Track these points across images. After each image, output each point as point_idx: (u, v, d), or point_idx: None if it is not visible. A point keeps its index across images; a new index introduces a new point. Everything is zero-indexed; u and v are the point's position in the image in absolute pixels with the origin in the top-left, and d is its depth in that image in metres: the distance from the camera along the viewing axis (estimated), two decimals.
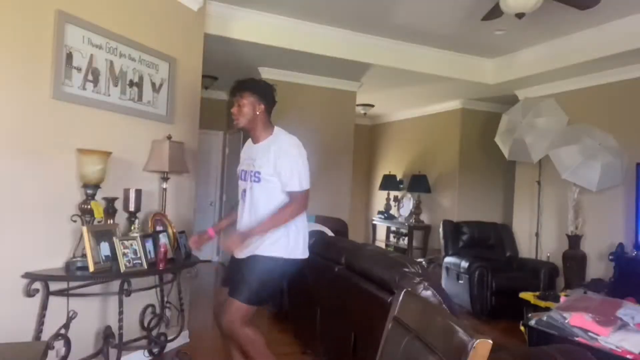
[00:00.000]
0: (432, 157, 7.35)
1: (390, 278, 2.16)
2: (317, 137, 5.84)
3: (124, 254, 2.62)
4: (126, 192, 2.96)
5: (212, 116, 6.40)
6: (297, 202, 2.39)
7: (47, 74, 2.56)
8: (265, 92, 2.49)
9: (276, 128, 2.53)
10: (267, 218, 2.38)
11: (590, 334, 2.71)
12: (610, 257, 4.30)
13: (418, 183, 7.19)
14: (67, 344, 2.60)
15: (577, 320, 2.78)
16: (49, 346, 2.34)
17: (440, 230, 5.54)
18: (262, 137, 2.49)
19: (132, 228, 2.86)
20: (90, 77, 2.82)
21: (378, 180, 8.26)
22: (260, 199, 2.43)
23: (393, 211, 7.88)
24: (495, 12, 3.52)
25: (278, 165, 2.38)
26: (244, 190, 2.51)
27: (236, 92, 2.46)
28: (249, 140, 2.61)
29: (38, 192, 2.55)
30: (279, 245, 2.39)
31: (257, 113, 2.45)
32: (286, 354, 3.45)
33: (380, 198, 8.38)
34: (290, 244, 2.42)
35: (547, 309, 3.47)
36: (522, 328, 3.27)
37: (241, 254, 2.43)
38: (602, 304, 2.96)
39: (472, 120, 6.84)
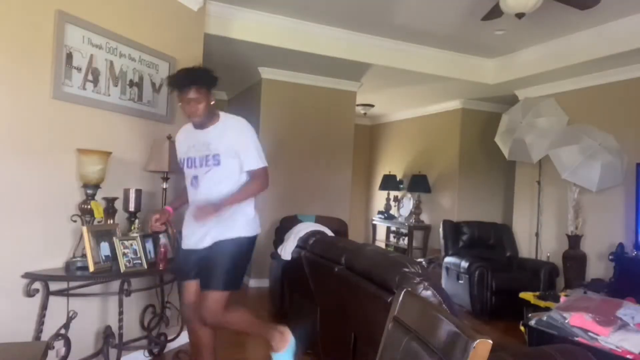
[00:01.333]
0: (432, 157, 7.35)
1: (390, 278, 2.15)
2: (317, 137, 5.86)
3: (124, 254, 2.62)
4: (126, 192, 2.96)
5: None
6: (261, 178, 2.45)
7: (47, 74, 2.56)
8: (213, 81, 2.39)
9: (222, 113, 2.51)
10: (236, 191, 2.39)
11: (590, 334, 2.71)
12: (610, 257, 4.30)
13: (418, 183, 7.19)
14: (67, 344, 2.60)
15: (577, 320, 2.78)
16: (49, 346, 2.34)
17: (440, 230, 5.54)
18: (210, 122, 2.43)
19: (132, 228, 2.86)
20: (90, 77, 2.82)
21: (378, 180, 8.26)
22: (220, 181, 2.41)
23: (393, 211, 7.88)
24: (495, 12, 3.52)
25: (236, 145, 2.39)
26: (195, 177, 2.46)
27: (186, 87, 2.30)
28: (186, 128, 2.55)
29: (38, 192, 2.55)
30: (241, 225, 2.43)
31: (212, 103, 2.41)
32: None
33: (380, 198, 8.38)
34: (249, 221, 2.47)
35: (547, 309, 3.47)
36: (522, 328, 3.27)
37: (201, 243, 2.42)
38: (602, 304, 2.96)
39: (472, 120, 6.84)
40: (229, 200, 2.37)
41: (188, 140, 2.53)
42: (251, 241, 2.49)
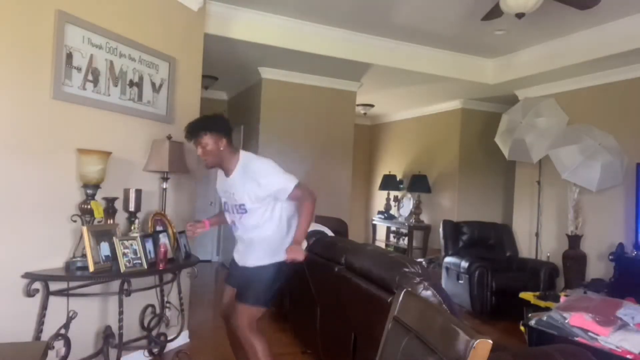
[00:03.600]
0: (432, 157, 7.35)
1: (390, 278, 2.15)
2: (317, 137, 5.86)
3: (124, 254, 2.62)
4: (126, 192, 2.96)
5: None
6: (303, 194, 2.51)
7: (47, 74, 2.56)
8: (222, 126, 2.51)
9: (241, 153, 2.56)
10: (300, 221, 2.51)
11: (590, 334, 2.71)
12: (610, 257, 4.30)
13: (418, 183, 7.19)
14: (67, 344, 2.60)
15: (577, 320, 2.78)
16: (49, 346, 2.34)
17: (440, 230, 5.54)
18: (231, 168, 2.53)
19: (132, 228, 2.86)
20: (90, 77, 2.82)
21: (378, 180, 8.26)
22: (256, 225, 2.52)
23: (393, 211, 7.88)
24: (495, 12, 3.52)
25: (262, 187, 2.44)
26: (233, 222, 2.60)
27: (193, 136, 2.48)
28: (222, 173, 2.63)
29: (38, 192, 2.55)
30: (271, 254, 2.51)
31: (222, 149, 2.48)
32: (286, 354, 3.45)
33: (380, 198, 8.38)
34: (279, 250, 2.51)
35: (547, 309, 3.47)
36: (522, 328, 3.27)
37: (242, 261, 2.59)
38: (602, 304, 2.96)
39: (472, 120, 6.84)
40: (300, 234, 2.49)
41: (221, 185, 2.65)
42: (288, 264, 2.52)
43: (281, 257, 2.49)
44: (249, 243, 2.56)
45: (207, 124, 2.49)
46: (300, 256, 2.44)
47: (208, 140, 2.45)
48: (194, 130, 2.47)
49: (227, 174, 2.54)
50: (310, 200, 2.54)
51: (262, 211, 2.49)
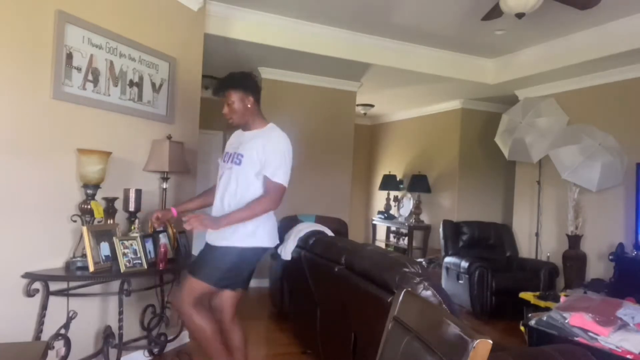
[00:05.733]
0: (432, 157, 7.35)
1: (390, 278, 2.15)
2: (317, 137, 5.86)
3: (124, 254, 2.62)
4: (126, 192, 2.96)
5: (212, 116, 6.37)
6: (271, 196, 2.37)
7: (47, 74, 2.56)
8: (250, 84, 2.48)
9: (271, 124, 2.54)
10: (240, 209, 2.36)
11: (590, 334, 2.71)
12: (610, 257, 4.30)
13: (418, 183, 7.19)
14: (67, 344, 2.60)
15: (577, 320, 2.78)
16: (49, 346, 2.34)
17: (440, 230, 5.54)
18: (254, 127, 2.50)
19: (132, 228, 2.86)
20: (90, 77, 2.82)
21: (378, 180, 8.26)
22: (235, 182, 2.43)
23: (393, 211, 7.88)
24: (495, 12, 3.52)
25: (268, 154, 2.38)
26: (222, 174, 2.52)
27: (220, 91, 2.44)
28: (237, 132, 2.61)
29: (38, 192, 2.55)
30: (253, 236, 2.41)
31: (249, 106, 2.46)
32: (286, 354, 3.45)
33: (380, 198, 8.38)
34: (259, 233, 2.44)
35: (547, 309, 3.47)
36: (522, 328, 3.27)
37: (215, 241, 2.45)
38: (602, 304, 2.96)
39: (472, 120, 6.84)
40: (229, 219, 2.36)
41: (233, 139, 2.62)
42: (255, 252, 2.45)
43: (250, 243, 2.41)
44: (226, 208, 2.43)
45: (235, 80, 2.46)
46: (199, 226, 2.28)
47: (234, 97, 2.41)
48: (221, 85, 2.44)
49: (249, 128, 2.51)
50: (271, 203, 2.38)
51: (249, 173, 2.40)
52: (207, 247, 2.51)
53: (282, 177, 2.39)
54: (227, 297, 2.52)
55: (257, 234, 2.45)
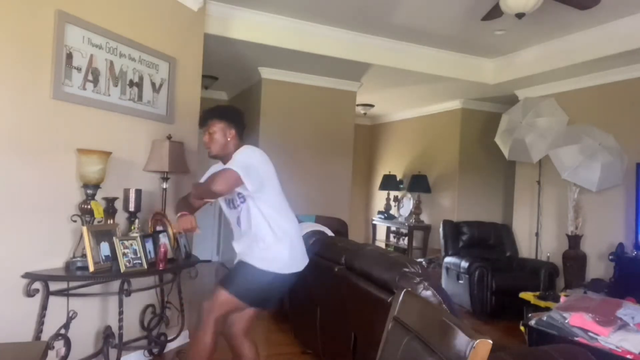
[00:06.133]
0: (432, 157, 7.35)
1: (390, 278, 2.15)
2: (317, 137, 5.86)
3: (124, 254, 2.62)
4: (126, 192, 2.96)
5: None
6: (222, 177, 2.25)
7: (47, 74, 2.56)
8: (234, 117, 2.46)
9: (243, 146, 2.46)
10: (197, 184, 2.43)
11: (590, 334, 2.71)
12: (610, 257, 4.30)
13: (418, 183, 7.19)
14: (67, 344, 2.60)
15: (577, 320, 2.78)
16: (49, 346, 2.34)
17: (440, 230, 5.54)
18: (228, 159, 2.43)
19: (132, 228, 2.86)
20: (90, 77, 2.82)
21: (378, 180, 8.26)
22: (247, 223, 2.41)
23: (393, 211, 7.88)
24: (495, 12, 3.52)
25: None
26: (238, 218, 2.47)
27: (204, 121, 2.44)
28: (218, 164, 2.54)
29: (38, 192, 2.55)
30: (269, 261, 2.37)
31: (229, 139, 2.42)
32: (286, 354, 3.45)
33: (380, 198, 8.38)
34: (279, 261, 2.39)
35: (547, 309, 3.47)
36: (522, 328, 3.27)
37: (245, 258, 2.44)
38: (602, 304, 2.96)
39: (472, 120, 6.84)
40: (193, 203, 2.45)
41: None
42: (280, 278, 2.39)
43: (283, 269, 2.39)
44: (251, 239, 2.43)
45: (220, 111, 2.47)
46: (188, 225, 2.34)
47: (216, 127, 2.40)
48: (206, 115, 2.45)
49: (225, 163, 2.46)
50: (216, 184, 2.24)
51: (251, 205, 2.38)
52: (241, 263, 2.45)
53: (241, 168, 2.26)
54: (249, 313, 2.51)
55: (294, 259, 2.45)
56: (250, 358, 2.53)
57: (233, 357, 2.58)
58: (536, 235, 5.50)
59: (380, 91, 6.56)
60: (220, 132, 2.41)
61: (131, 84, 3.12)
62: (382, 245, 7.82)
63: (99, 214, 2.71)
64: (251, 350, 2.54)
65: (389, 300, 2.03)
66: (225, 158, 2.45)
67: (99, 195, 2.77)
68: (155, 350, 3.25)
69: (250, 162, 2.33)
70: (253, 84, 5.95)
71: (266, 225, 2.38)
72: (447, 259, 5.17)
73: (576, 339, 2.73)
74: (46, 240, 2.59)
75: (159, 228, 3.12)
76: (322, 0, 4.16)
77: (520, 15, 3.25)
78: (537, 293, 4.11)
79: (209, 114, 2.45)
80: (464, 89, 6.08)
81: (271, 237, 2.38)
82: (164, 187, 3.27)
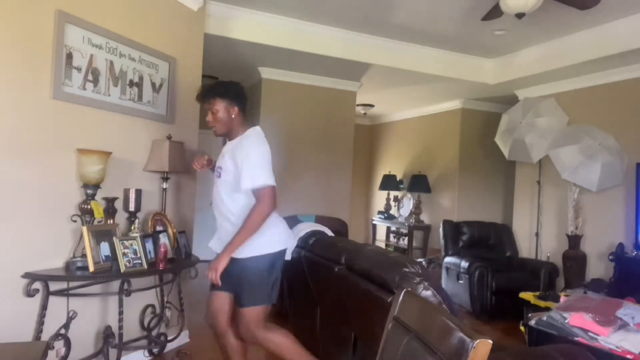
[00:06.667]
0: (432, 157, 7.35)
1: (390, 278, 2.15)
2: (317, 137, 5.86)
3: (124, 254, 2.62)
4: (126, 192, 2.96)
5: None
6: (264, 201, 2.27)
7: (47, 74, 2.56)
8: (236, 93, 2.41)
9: (251, 129, 2.44)
10: (240, 231, 2.29)
11: (590, 334, 2.71)
12: (610, 257, 4.30)
13: (418, 183, 7.19)
14: (67, 344, 2.60)
15: (577, 320, 2.78)
16: (49, 346, 2.34)
17: (440, 230, 5.54)
18: (235, 136, 2.43)
19: (132, 228, 2.86)
20: (90, 77, 2.82)
21: (378, 180, 8.26)
22: (219, 196, 2.41)
23: (393, 211, 7.88)
24: (495, 12, 3.52)
25: (239, 164, 2.29)
26: (215, 186, 2.48)
27: (205, 99, 2.38)
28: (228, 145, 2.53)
29: (38, 192, 2.55)
30: (255, 245, 2.34)
31: (233, 116, 2.39)
32: None
33: (380, 198, 8.38)
34: (265, 240, 2.36)
35: (547, 309, 3.47)
36: (522, 328, 3.27)
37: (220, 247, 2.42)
38: (602, 304, 2.96)
39: (472, 120, 6.84)
40: (234, 245, 2.29)
41: (224, 149, 2.54)
42: (272, 257, 2.40)
43: (275, 247, 2.38)
44: (233, 222, 2.36)
45: (221, 88, 2.40)
46: (218, 273, 2.25)
47: (219, 105, 2.36)
48: (206, 93, 2.39)
49: (230, 139, 2.46)
50: (265, 208, 2.26)
51: (230, 184, 2.35)
52: (235, 263, 2.37)
53: (263, 178, 2.27)
54: (229, 303, 2.50)
55: (280, 235, 2.47)
56: (236, 347, 2.52)
57: (221, 349, 2.58)
58: (536, 235, 5.50)
59: (380, 91, 6.56)
60: (224, 110, 2.37)
61: (131, 84, 3.12)
62: (382, 245, 7.82)
63: (99, 214, 2.71)
64: (236, 340, 2.52)
65: (389, 300, 2.03)
66: (231, 134, 2.44)
67: (99, 195, 2.77)
68: (155, 350, 3.25)
69: (268, 161, 2.33)
70: (253, 84, 5.95)
71: (245, 212, 2.34)
72: (447, 259, 5.17)
73: (576, 339, 2.73)
74: (46, 240, 2.59)
75: (159, 228, 3.12)
76: (322, 0, 4.17)
77: (520, 15, 3.25)
78: (537, 293, 4.11)
79: (211, 92, 2.38)
80: (464, 89, 6.08)
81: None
82: (164, 187, 3.27)
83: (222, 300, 2.49)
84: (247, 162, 2.27)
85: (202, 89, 2.41)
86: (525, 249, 5.67)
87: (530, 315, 3.21)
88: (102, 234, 2.63)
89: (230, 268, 2.34)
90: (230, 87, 2.43)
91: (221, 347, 2.57)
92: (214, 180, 2.48)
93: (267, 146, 2.38)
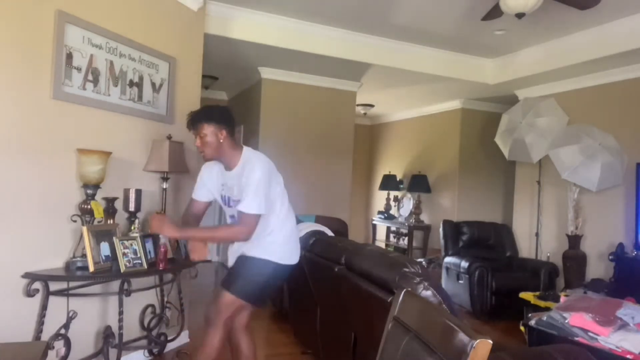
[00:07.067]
0: (432, 157, 7.35)
1: (390, 278, 2.15)
2: (317, 137, 5.86)
3: (124, 254, 2.62)
4: (126, 192, 2.96)
5: None
6: (246, 226, 2.31)
7: (47, 74, 2.56)
8: (222, 117, 2.41)
9: (244, 150, 2.45)
10: (206, 228, 2.40)
11: (590, 334, 2.71)
12: (610, 257, 4.30)
13: (418, 183, 7.19)
14: (67, 344, 2.60)
15: (577, 320, 2.78)
16: (49, 346, 2.34)
17: (440, 230, 5.54)
18: (233, 163, 2.43)
19: (132, 228, 2.86)
20: (90, 77, 2.82)
21: (378, 180, 8.26)
22: None
23: (393, 211, 7.88)
24: (495, 12, 3.52)
25: (243, 188, 2.32)
26: (233, 216, 2.49)
27: (192, 126, 2.40)
28: (219, 166, 2.52)
29: (38, 192, 2.55)
30: (270, 251, 2.42)
31: (221, 140, 2.39)
32: (286, 354, 3.45)
33: (380, 198, 8.38)
34: (279, 251, 2.44)
35: (547, 309, 3.47)
36: (522, 328, 3.27)
37: (247, 252, 2.46)
38: (602, 304, 2.96)
39: (472, 120, 6.84)
40: (191, 233, 2.42)
41: (220, 177, 2.52)
42: (279, 268, 2.44)
43: (282, 259, 2.45)
44: (270, 237, 2.45)
45: (207, 113, 2.41)
46: (156, 228, 2.31)
47: (207, 130, 2.36)
48: (194, 119, 2.40)
49: (229, 168, 2.45)
50: (243, 232, 2.32)
51: None
52: (245, 258, 2.46)
53: (256, 207, 2.31)
54: (247, 308, 2.53)
55: (291, 251, 2.51)
56: (248, 354, 2.54)
57: (232, 353, 2.59)
58: (536, 235, 5.50)
59: (380, 91, 6.56)
60: (212, 135, 2.37)
61: (131, 84, 3.12)
62: (382, 245, 7.82)
63: (99, 214, 2.71)
64: (250, 347, 2.56)
65: (389, 300, 2.03)
66: (223, 159, 2.44)
67: (99, 195, 2.77)
68: (155, 350, 3.25)
69: (263, 188, 2.33)
70: (253, 84, 5.95)
71: (267, 218, 2.40)
72: (447, 259, 5.17)
73: (576, 339, 2.74)
74: (46, 240, 2.59)
75: None
76: (323, 0, 4.17)
77: (520, 15, 3.25)
78: (537, 293, 4.11)
79: (196, 118, 2.39)
80: (464, 89, 6.08)
81: (272, 227, 2.43)
82: (164, 187, 3.27)
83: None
84: (252, 187, 2.31)
85: (189, 116, 2.43)
86: (525, 249, 5.67)
87: (530, 315, 3.21)
88: (102, 234, 2.63)
89: (238, 265, 2.44)
90: (215, 111, 2.43)
91: (231, 348, 2.58)
92: (233, 211, 2.46)
93: (264, 170, 2.38)
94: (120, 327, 2.65)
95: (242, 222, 2.32)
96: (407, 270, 2.15)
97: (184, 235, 2.47)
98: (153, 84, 3.30)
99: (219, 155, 2.43)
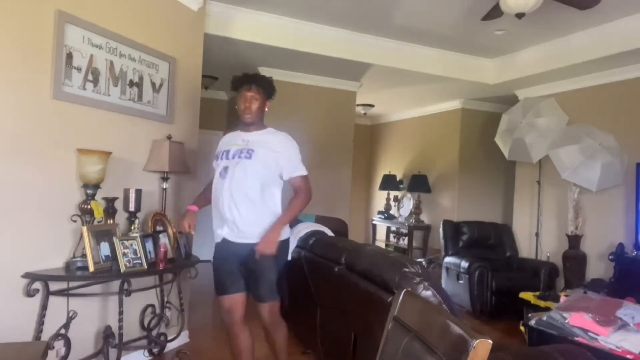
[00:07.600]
0: (432, 157, 7.35)
1: (390, 278, 2.15)
2: (317, 137, 5.85)
3: (124, 254, 2.62)
4: (126, 192, 2.96)
5: (212, 116, 6.40)
6: (307, 189, 2.52)
7: (47, 74, 2.56)
8: (274, 92, 2.58)
9: (270, 127, 2.62)
10: (289, 207, 2.49)
11: (590, 334, 2.71)
12: (610, 257, 4.30)
13: (418, 183, 7.19)
14: (67, 344, 2.60)
15: (577, 320, 2.78)
16: (49, 346, 2.34)
17: (440, 230, 5.54)
18: (255, 129, 2.55)
19: (132, 228, 2.86)
20: (90, 77, 2.82)
21: (378, 180, 8.26)
22: (244, 175, 2.44)
23: (393, 211, 7.88)
24: (495, 12, 3.52)
25: (283, 155, 2.47)
26: (225, 168, 2.49)
27: (251, 84, 2.47)
28: (233, 132, 2.64)
29: (38, 192, 2.55)
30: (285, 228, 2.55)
31: (266, 109, 2.55)
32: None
33: (380, 198, 8.38)
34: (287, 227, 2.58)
35: (547, 309, 3.47)
36: (522, 328, 3.27)
37: (233, 235, 2.51)
38: (602, 304, 2.96)
39: (472, 120, 6.84)
40: (281, 223, 2.47)
41: (231, 139, 2.62)
42: (286, 244, 2.59)
43: (287, 233, 2.55)
44: (246, 205, 2.44)
45: (270, 85, 2.54)
46: (272, 249, 2.39)
47: (259, 95, 2.49)
48: (254, 80, 2.48)
49: (248, 130, 2.54)
50: (306, 197, 2.53)
51: (260, 167, 2.45)
52: (247, 259, 2.50)
53: (304, 169, 2.53)
54: (243, 299, 2.61)
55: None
56: (247, 345, 2.62)
57: (231, 343, 2.64)
58: (536, 235, 5.50)
59: (380, 91, 6.56)
60: (262, 101, 2.50)
61: (131, 84, 3.12)
62: (382, 245, 7.82)
63: (99, 214, 2.71)
64: (249, 338, 2.63)
65: (389, 300, 2.03)
66: (255, 124, 2.54)
67: (99, 195, 2.77)
68: (155, 350, 3.25)
69: (299, 155, 2.57)
70: None
71: (276, 196, 2.54)
72: (447, 259, 5.17)
73: (576, 339, 2.74)
74: (46, 240, 2.59)
75: (159, 228, 3.12)
76: (322, 0, 4.16)
77: (520, 15, 3.25)
78: (537, 293, 4.11)
79: (256, 81, 2.50)
80: (464, 89, 6.08)
81: (277, 201, 2.56)
82: (164, 187, 3.27)
83: (236, 299, 2.57)
84: (293, 152, 2.52)
85: (248, 75, 2.51)
86: (525, 249, 5.67)
87: (530, 315, 3.21)
88: (102, 234, 2.63)
89: (247, 261, 2.48)
90: (272, 85, 2.58)
91: (234, 347, 2.63)
92: (232, 161, 2.48)
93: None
94: (120, 327, 2.65)
95: (304, 185, 2.52)
96: (407, 270, 2.15)
97: (281, 229, 2.48)
98: (153, 84, 3.30)
99: (256, 119, 2.53)
